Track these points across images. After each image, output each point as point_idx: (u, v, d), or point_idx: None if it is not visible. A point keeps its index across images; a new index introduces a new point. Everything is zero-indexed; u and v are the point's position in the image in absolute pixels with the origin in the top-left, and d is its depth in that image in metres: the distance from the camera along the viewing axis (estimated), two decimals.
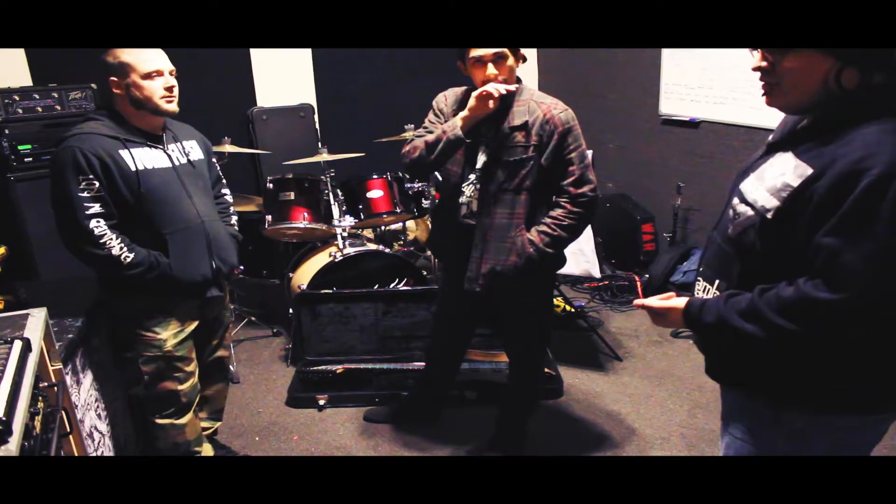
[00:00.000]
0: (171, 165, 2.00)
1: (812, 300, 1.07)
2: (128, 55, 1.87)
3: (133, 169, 1.88)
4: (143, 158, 1.92)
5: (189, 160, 2.07)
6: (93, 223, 1.83)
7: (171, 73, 1.94)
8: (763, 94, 1.19)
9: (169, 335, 2.02)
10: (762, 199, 1.16)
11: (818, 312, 1.07)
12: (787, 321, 1.09)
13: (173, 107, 1.96)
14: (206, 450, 2.39)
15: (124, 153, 1.88)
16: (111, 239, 1.85)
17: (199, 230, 2.03)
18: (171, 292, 2.00)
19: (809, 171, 1.08)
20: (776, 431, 1.26)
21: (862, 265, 1.02)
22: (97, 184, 1.83)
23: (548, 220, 2.07)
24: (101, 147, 1.84)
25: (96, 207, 1.84)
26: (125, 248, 1.87)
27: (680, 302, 1.30)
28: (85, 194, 1.82)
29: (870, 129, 1.04)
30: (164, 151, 2.00)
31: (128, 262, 1.87)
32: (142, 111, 1.93)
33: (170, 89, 1.93)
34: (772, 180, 1.15)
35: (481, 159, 2.10)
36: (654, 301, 1.36)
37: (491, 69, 1.96)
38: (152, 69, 1.88)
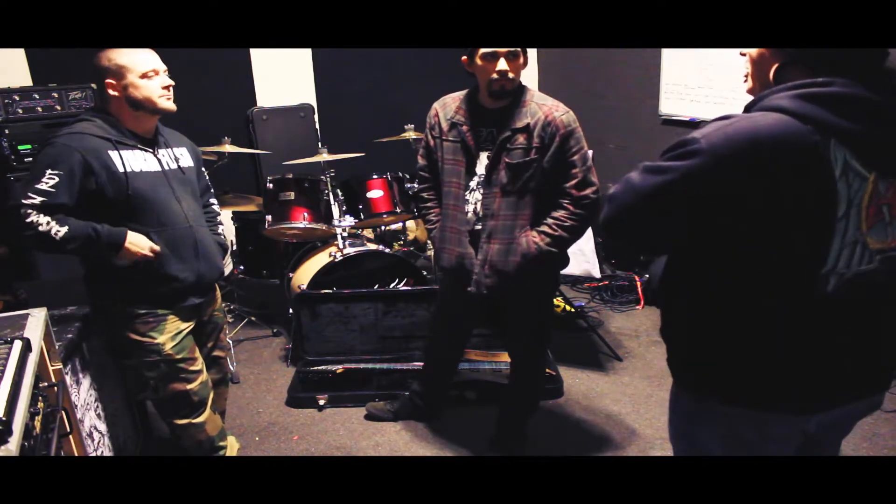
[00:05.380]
0: (161, 170, 1.99)
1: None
2: (123, 57, 1.87)
3: (122, 170, 1.87)
4: (132, 161, 1.91)
5: (179, 166, 2.07)
6: (28, 210, 1.79)
7: (165, 73, 1.94)
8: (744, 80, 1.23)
9: (166, 338, 2.01)
10: None
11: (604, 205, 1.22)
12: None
13: (171, 105, 1.95)
14: (231, 443, 2.41)
15: (113, 154, 1.87)
16: (39, 217, 1.79)
17: (186, 234, 2.02)
18: (157, 295, 1.97)
19: None
20: (674, 411, 1.31)
21: (631, 175, 1.17)
22: (56, 178, 1.80)
23: (549, 221, 2.08)
24: (90, 147, 1.83)
25: (37, 199, 1.79)
26: (53, 224, 1.80)
27: None
28: (41, 186, 1.78)
29: (739, 115, 1.07)
30: (155, 156, 1.99)
31: (61, 237, 1.81)
32: (139, 112, 1.92)
33: (167, 88, 1.93)
34: None
35: (483, 163, 2.11)
36: None
37: (502, 64, 1.95)
38: (149, 68, 1.89)
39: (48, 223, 1.81)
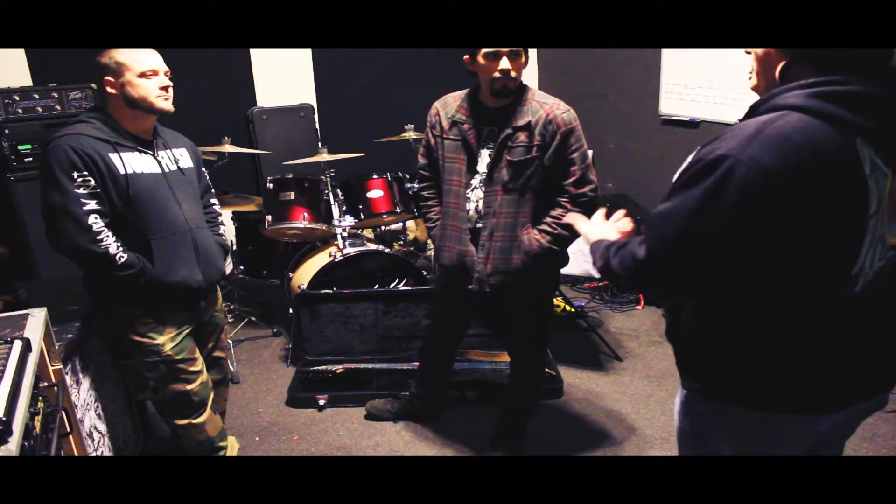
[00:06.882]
0: (160, 172, 1.98)
1: (630, 252, 1.17)
2: (123, 55, 1.87)
3: (122, 172, 1.86)
4: (132, 163, 1.90)
5: (179, 167, 2.06)
6: (91, 219, 1.80)
7: (165, 74, 1.94)
8: (749, 78, 1.22)
9: (166, 339, 2.01)
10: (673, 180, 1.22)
11: (630, 264, 1.16)
12: (618, 265, 1.21)
13: (168, 105, 1.94)
14: (231, 443, 2.41)
15: (114, 156, 1.86)
16: (108, 236, 1.83)
17: (186, 237, 2.02)
18: (158, 300, 1.98)
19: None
20: (683, 412, 1.30)
21: (658, 220, 1.10)
22: (92, 181, 1.81)
23: (548, 220, 2.09)
24: (91, 147, 1.82)
25: (93, 204, 1.81)
26: (120, 248, 1.85)
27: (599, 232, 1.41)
28: (81, 190, 1.79)
29: (755, 119, 1.05)
30: (154, 157, 1.99)
31: (121, 263, 1.85)
32: (136, 111, 1.91)
33: (165, 88, 1.92)
34: None
35: (485, 161, 2.11)
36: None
37: (505, 63, 1.96)
38: (147, 68, 1.88)
39: (116, 247, 1.84)
